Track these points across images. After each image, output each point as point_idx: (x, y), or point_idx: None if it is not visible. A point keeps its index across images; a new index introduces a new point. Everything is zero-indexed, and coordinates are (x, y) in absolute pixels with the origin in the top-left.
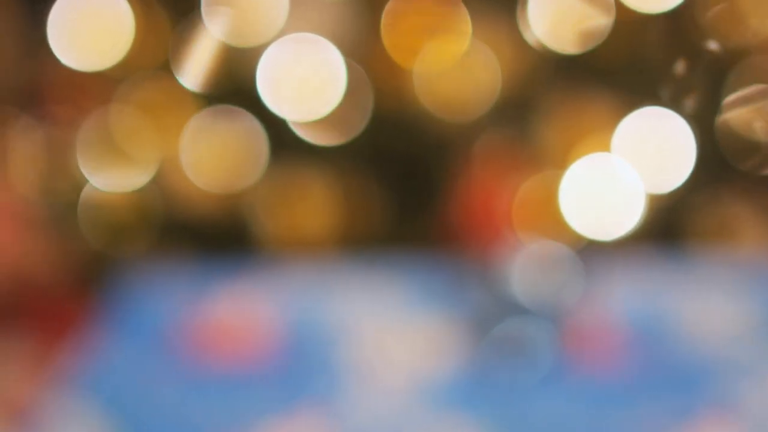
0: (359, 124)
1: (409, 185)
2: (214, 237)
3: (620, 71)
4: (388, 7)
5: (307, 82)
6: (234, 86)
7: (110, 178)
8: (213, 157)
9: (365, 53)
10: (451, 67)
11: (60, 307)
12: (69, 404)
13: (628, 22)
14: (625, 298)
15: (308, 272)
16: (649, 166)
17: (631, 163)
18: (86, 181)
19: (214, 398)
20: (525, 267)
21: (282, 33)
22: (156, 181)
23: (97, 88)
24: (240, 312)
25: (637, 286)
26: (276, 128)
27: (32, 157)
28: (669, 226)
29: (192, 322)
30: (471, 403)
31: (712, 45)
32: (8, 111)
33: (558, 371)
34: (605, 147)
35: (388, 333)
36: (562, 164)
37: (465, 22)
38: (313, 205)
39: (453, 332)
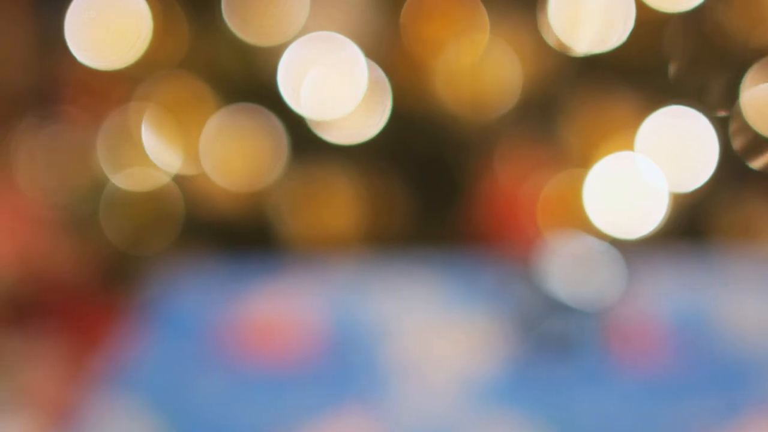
0: (380, 122)
1: (430, 184)
2: (236, 236)
3: (643, 70)
4: (408, 5)
5: (328, 80)
6: (255, 85)
7: (132, 177)
8: (234, 156)
9: (386, 51)
10: (472, 66)
11: (86, 306)
12: (111, 403)
13: (650, 21)
14: (664, 294)
15: (346, 270)
16: (673, 165)
17: (654, 162)
18: (108, 180)
19: (258, 397)
20: (567, 263)
21: (303, 32)
22: (177, 179)
23: (116, 87)
24: (280, 310)
25: (673, 283)
26: (297, 127)
27: (52, 157)
28: (692, 224)
29: (232, 321)
30: (515, 400)
31: (734, 43)
32: (27, 111)
33: (601, 368)
34: (629, 146)
35: (430, 331)
36: (585, 163)
37: (485, 20)
38: (335, 203)
39: (495, 329)
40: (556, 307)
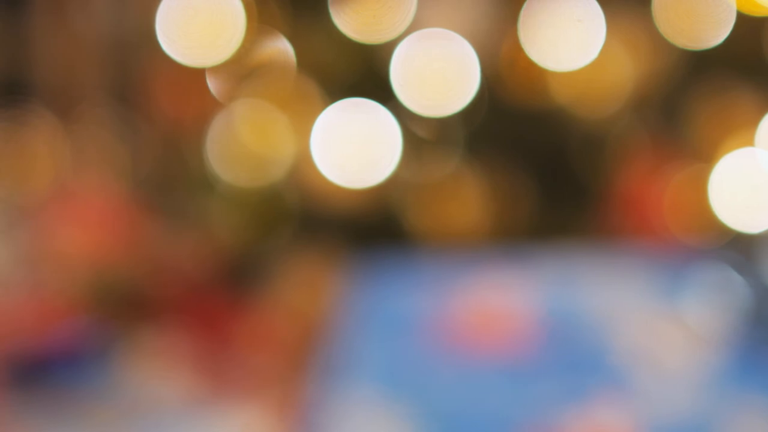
0: (482, 117)
1: (551, 180)
2: (355, 231)
3: (762, 67)
4: (521, 2)
5: (442, 76)
6: (367, 80)
7: (244, 174)
8: (346, 151)
9: (499, 48)
10: (588, 63)
11: (211, 301)
12: (347, 397)
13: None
14: None
15: (544, 262)
16: None
17: None
18: (220, 177)
19: (495, 389)
20: None
21: (416, 28)
22: (290, 175)
23: (220, 84)
24: (494, 303)
25: None
26: (409, 122)
27: (163, 156)
28: None
29: (450, 314)
30: (748, 386)
31: None
32: (131, 112)
33: None
34: (750, 142)
35: (652, 321)
36: (709, 159)
37: (599, 17)
38: (459, 198)
39: (714, 319)
40: None
